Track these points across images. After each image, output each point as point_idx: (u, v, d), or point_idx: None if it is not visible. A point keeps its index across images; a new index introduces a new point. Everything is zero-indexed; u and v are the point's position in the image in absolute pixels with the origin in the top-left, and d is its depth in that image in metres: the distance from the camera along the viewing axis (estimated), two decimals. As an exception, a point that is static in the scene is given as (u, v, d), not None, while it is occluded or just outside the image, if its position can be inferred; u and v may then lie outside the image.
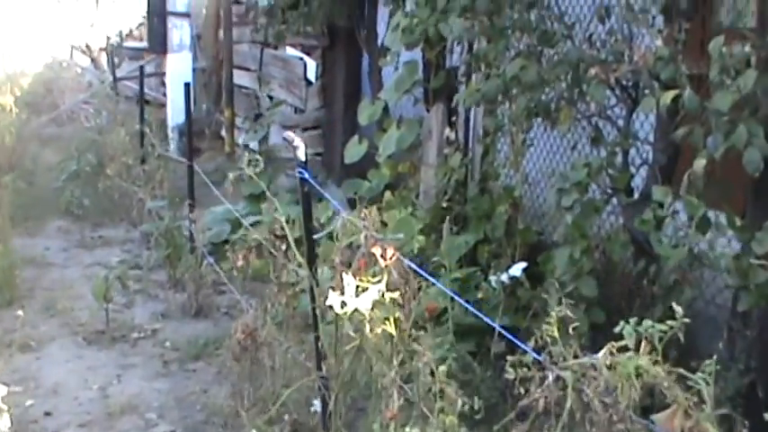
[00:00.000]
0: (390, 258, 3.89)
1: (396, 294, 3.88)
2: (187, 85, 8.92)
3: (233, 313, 7.57)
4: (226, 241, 8.15)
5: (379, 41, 9.35)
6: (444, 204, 7.11)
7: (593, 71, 5.09)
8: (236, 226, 8.52)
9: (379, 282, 3.86)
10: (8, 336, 6.98)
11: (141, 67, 12.48)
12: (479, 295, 6.00)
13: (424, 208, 7.45)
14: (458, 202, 7.15)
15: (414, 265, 4.24)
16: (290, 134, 4.73)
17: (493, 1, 5.90)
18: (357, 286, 3.85)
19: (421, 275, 4.31)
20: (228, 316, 7.63)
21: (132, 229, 10.18)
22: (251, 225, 8.50)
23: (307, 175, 4.60)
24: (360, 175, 9.14)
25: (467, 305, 4.99)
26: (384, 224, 7.70)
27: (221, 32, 13.75)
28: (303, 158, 4.55)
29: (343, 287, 3.81)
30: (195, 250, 7.97)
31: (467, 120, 7.70)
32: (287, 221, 5.36)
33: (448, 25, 6.21)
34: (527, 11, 5.79)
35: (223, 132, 13.43)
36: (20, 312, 6.67)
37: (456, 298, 5.27)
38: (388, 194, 7.90)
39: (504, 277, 5.82)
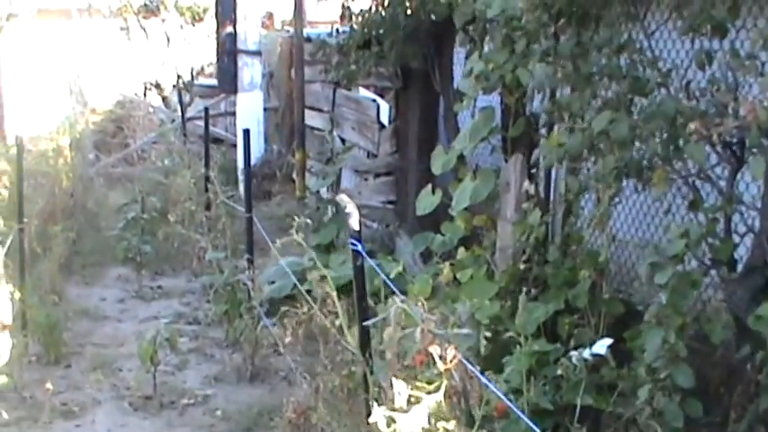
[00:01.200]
0: (451, 361, 3.28)
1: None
2: (247, 131, 8.44)
3: (292, 378, 6.99)
4: (289, 296, 7.64)
5: (455, 84, 8.79)
6: (522, 266, 6.46)
7: (692, 126, 4.46)
8: (302, 279, 7.99)
9: (437, 389, 3.24)
10: (50, 398, 6.49)
11: (206, 109, 12.05)
12: (558, 371, 5.35)
13: (500, 268, 6.82)
14: (537, 262, 6.50)
15: (476, 371, 3.60)
16: (343, 198, 4.15)
17: (578, 44, 5.32)
18: (410, 395, 3.23)
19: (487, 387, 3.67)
20: (287, 381, 7.09)
21: (193, 279, 9.71)
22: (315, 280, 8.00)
23: (360, 248, 4.00)
24: (434, 226, 8.54)
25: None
26: (456, 280, 7.20)
27: (293, 71, 13.30)
28: (356, 228, 3.96)
29: (394, 391, 3.20)
30: (253, 310, 7.42)
31: (548, 173, 7.05)
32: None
33: (527, 71, 5.63)
34: (616, 55, 5.19)
35: (294, 175, 12.95)
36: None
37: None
38: (461, 250, 7.28)
39: (586, 353, 5.17)
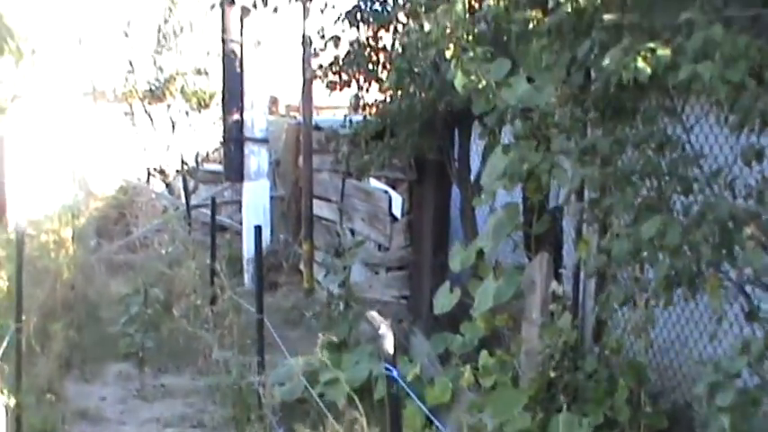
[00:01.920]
0: None
1: None
2: (258, 228, 8.07)
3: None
4: (300, 399, 7.26)
5: (473, 176, 8.46)
6: (552, 373, 6.05)
7: (748, 231, 4.10)
8: (313, 381, 7.61)
9: None
10: None
11: (213, 200, 11.73)
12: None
13: (526, 374, 6.41)
14: (567, 369, 6.09)
15: None
16: (374, 316, 3.76)
17: (617, 141, 4.99)
18: None
19: None
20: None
21: (198, 378, 9.26)
22: (328, 383, 7.61)
23: (395, 374, 3.60)
24: (450, 323, 8.15)
25: None
26: (478, 384, 6.80)
27: (301, 159, 13.02)
28: (391, 351, 3.57)
29: None
30: (264, 418, 6.99)
31: (576, 272, 6.67)
32: (369, 379, 4.47)
33: (564, 171, 5.29)
34: (657, 152, 4.85)
35: (302, 266, 12.59)
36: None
37: None
38: (484, 354, 6.87)
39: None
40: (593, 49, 4.85)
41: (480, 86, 5.91)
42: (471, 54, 5.80)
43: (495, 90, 6.04)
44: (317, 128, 12.30)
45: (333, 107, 14.79)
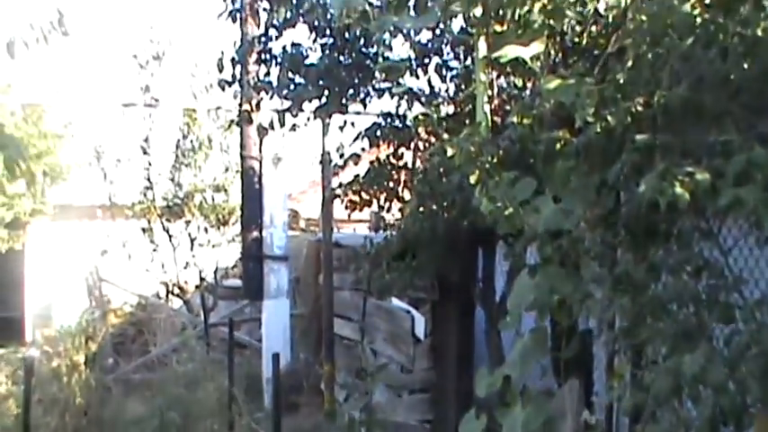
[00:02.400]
0: None
1: None
2: (276, 357, 7.80)
3: None
4: None
5: (498, 297, 8.20)
6: None
7: (798, 367, 3.83)
8: None
9: None
10: None
11: (230, 321, 11.48)
12: None
13: None
14: (602, 505, 5.74)
15: None
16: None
17: (652, 268, 4.73)
18: None
19: None
20: None
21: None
22: None
23: None
24: (476, 451, 7.80)
25: None
26: None
27: (321, 277, 12.76)
28: None
29: None
30: None
31: (609, 402, 6.35)
32: None
33: (594, 299, 5.03)
34: (696, 278, 4.59)
35: (322, 386, 12.24)
36: None
37: None
38: (514, 486, 6.51)
39: None
40: (624, 171, 4.63)
41: (506, 211, 5.67)
42: (497, 179, 5.56)
43: (520, 213, 5.80)
44: (338, 245, 12.07)
45: (354, 221, 14.59)
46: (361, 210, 9.20)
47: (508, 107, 7.00)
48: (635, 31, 4.87)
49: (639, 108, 4.73)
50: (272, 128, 8.87)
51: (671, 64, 4.60)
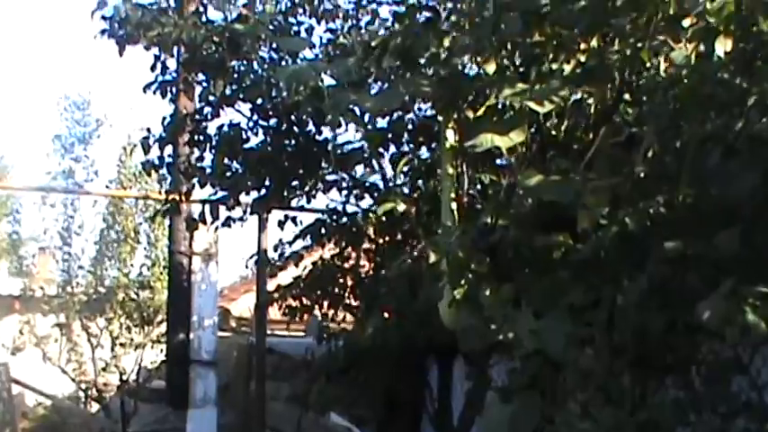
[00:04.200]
0: None
1: None
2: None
3: None
4: None
5: (455, 419, 7.23)
6: None
7: None
8: None
9: None
10: None
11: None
12: None
13: None
14: None
15: None
16: None
17: (677, 405, 3.79)
18: None
19: None
20: None
21: None
22: None
23: None
24: None
25: None
26: None
27: (252, 384, 11.73)
28: None
29: None
30: None
31: None
32: None
33: None
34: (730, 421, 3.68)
35: None
36: None
37: None
38: None
39: None
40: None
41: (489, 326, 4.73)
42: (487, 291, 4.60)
43: (502, 329, 4.85)
44: (272, 351, 11.10)
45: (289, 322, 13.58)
46: (301, 318, 8.24)
47: (479, 205, 6.07)
48: (660, 112, 3.94)
49: (661, 209, 3.81)
50: (204, 221, 7.86)
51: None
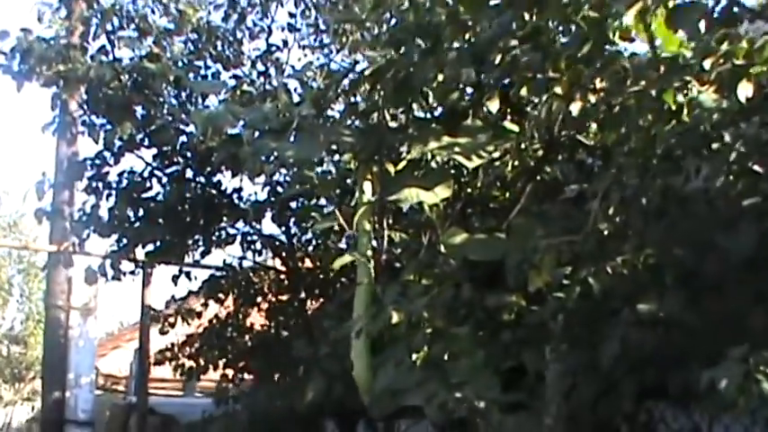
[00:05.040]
0: None
1: None
2: None
3: None
4: None
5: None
6: None
7: None
8: None
9: None
10: None
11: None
12: None
13: None
14: None
15: None
16: None
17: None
18: None
19: None
20: None
21: None
22: None
23: None
24: None
25: None
26: None
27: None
28: None
29: None
30: None
31: None
32: None
33: None
34: None
35: None
36: None
37: None
38: None
39: None
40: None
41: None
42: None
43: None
44: (153, 412, 10.49)
45: (162, 380, 12.93)
46: (198, 378, 7.77)
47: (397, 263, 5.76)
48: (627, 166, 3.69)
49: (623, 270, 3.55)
50: (104, 275, 7.34)
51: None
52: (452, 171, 5.48)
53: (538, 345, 3.95)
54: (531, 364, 4.04)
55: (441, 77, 4.85)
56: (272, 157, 5.67)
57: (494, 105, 4.78)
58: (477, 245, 4.89)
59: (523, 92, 4.40)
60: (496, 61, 4.42)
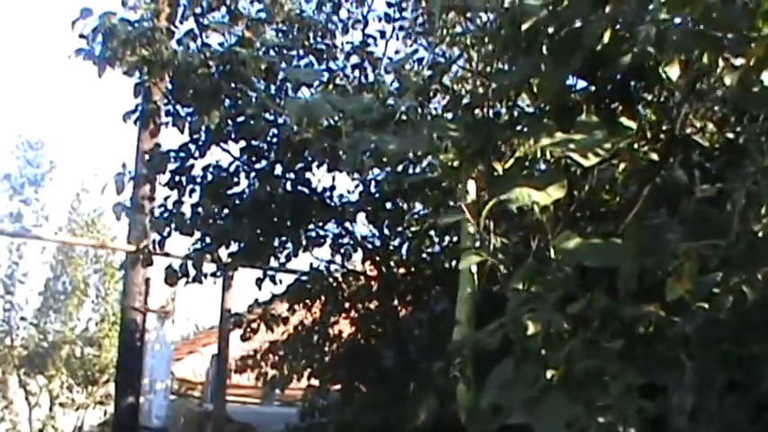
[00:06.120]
0: None
1: None
2: None
3: None
4: None
5: None
6: None
7: None
8: None
9: None
10: None
11: None
12: None
13: None
14: None
15: None
16: None
17: None
18: None
19: None
20: None
21: None
22: None
23: None
24: None
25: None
26: None
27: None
28: None
29: None
30: None
31: None
32: None
33: None
34: None
35: None
36: None
37: None
38: None
39: None
40: None
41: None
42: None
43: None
44: (229, 420, 10.21)
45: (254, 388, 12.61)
46: (283, 389, 7.38)
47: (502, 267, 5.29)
48: None
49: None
50: (186, 275, 6.94)
51: None
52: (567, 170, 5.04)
53: (677, 361, 3.50)
54: (668, 382, 3.59)
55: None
56: (368, 153, 5.22)
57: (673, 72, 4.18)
58: (592, 250, 4.47)
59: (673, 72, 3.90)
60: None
